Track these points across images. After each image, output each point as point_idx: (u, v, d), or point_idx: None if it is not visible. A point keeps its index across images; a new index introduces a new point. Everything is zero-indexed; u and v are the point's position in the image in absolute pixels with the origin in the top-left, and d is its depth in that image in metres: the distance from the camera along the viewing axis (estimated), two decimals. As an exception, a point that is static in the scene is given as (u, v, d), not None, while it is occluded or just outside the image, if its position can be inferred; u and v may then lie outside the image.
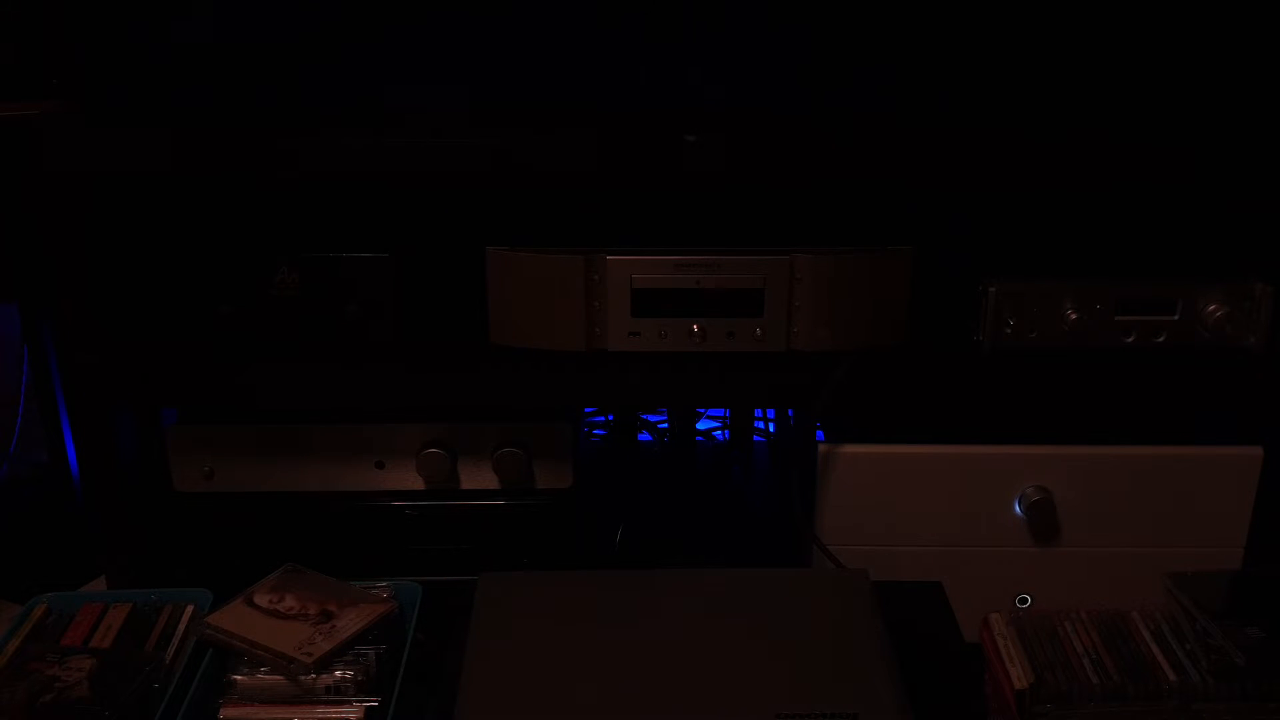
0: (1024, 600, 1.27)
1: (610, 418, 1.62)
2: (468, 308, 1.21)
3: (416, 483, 1.30)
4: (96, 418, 1.23)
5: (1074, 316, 1.19)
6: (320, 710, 0.99)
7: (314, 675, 1.00)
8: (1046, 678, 0.96)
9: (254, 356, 1.22)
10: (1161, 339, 1.21)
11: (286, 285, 1.20)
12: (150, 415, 1.32)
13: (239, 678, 1.00)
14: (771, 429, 1.67)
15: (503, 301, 1.20)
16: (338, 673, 1.00)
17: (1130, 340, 1.21)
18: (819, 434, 1.24)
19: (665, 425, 1.63)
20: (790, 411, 1.45)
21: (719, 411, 1.69)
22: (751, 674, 0.94)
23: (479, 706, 0.91)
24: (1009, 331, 1.20)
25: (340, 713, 0.98)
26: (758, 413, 1.66)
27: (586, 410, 1.56)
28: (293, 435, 1.28)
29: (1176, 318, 1.20)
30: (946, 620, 1.13)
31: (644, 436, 1.64)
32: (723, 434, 1.69)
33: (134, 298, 1.21)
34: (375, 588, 1.11)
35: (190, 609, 1.11)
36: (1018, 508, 1.23)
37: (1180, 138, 1.16)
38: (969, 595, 1.16)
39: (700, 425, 1.68)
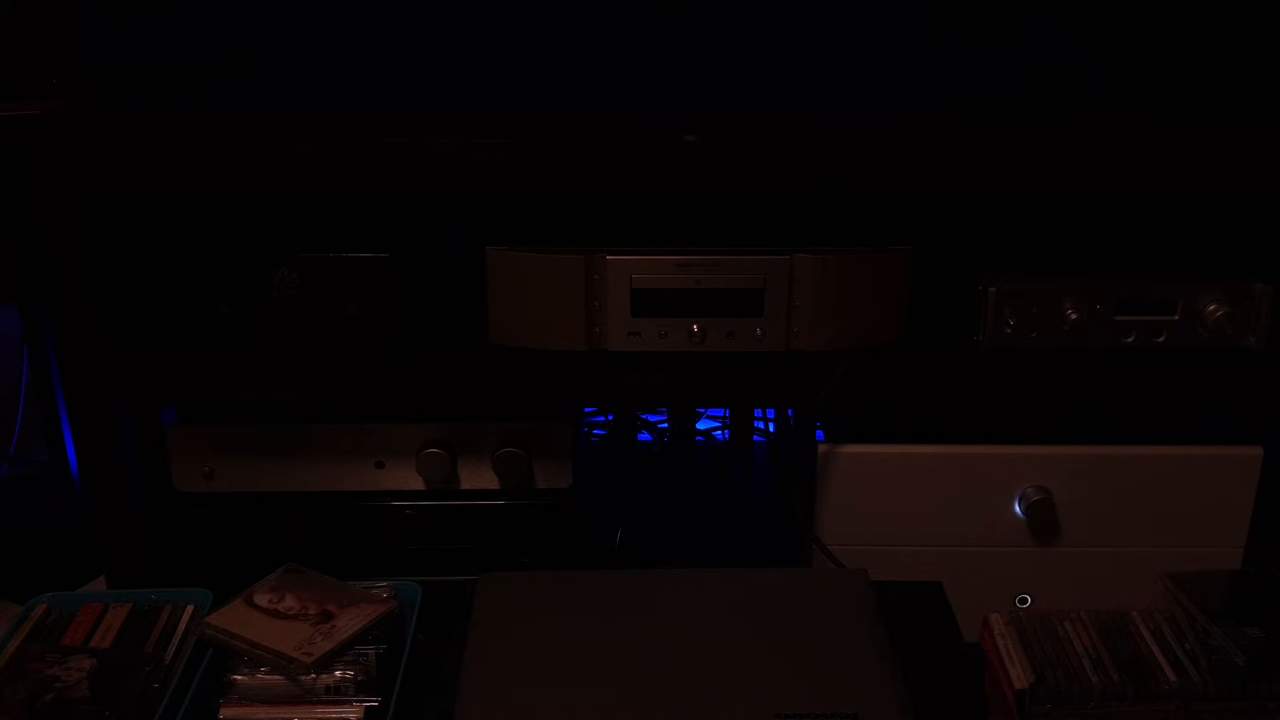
0: (1024, 600, 1.27)
1: (610, 418, 1.62)
2: (467, 308, 1.21)
3: (416, 483, 1.29)
4: (96, 418, 1.23)
5: (1074, 316, 1.19)
6: (320, 710, 0.99)
7: (314, 675, 0.99)
8: (1046, 678, 0.96)
9: (254, 356, 1.22)
10: (1161, 339, 1.21)
11: (286, 285, 1.20)
12: (150, 415, 1.32)
13: (239, 678, 1.00)
14: (771, 429, 1.67)
15: (503, 301, 1.20)
16: (338, 673, 1.00)
17: (1130, 340, 1.21)
18: (819, 434, 1.24)
19: (665, 425, 1.63)
20: (790, 411, 1.45)
21: (719, 411, 1.69)
22: (751, 674, 0.94)
23: (479, 706, 0.91)
24: (1009, 331, 1.20)
25: (340, 713, 0.98)
26: (758, 413, 1.66)
27: (586, 410, 1.56)
28: (293, 435, 1.28)
29: (1176, 318, 1.20)
30: (946, 620, 1.13)
31: (644, 436, 1.64)
32: (723, 434, 1.69)
33: (134, 298, 1.21)
34: (375, 588, 1.10)
35: (190, 609, 1.11)
36: (1018, 508, 1.23)
37: (1179, 137, 1.16)
38: (969, 595, 1.16)
39: (700, 425, 1.68)
